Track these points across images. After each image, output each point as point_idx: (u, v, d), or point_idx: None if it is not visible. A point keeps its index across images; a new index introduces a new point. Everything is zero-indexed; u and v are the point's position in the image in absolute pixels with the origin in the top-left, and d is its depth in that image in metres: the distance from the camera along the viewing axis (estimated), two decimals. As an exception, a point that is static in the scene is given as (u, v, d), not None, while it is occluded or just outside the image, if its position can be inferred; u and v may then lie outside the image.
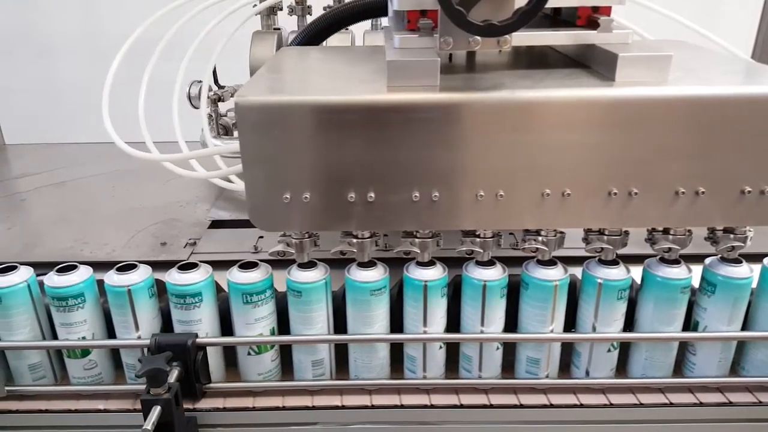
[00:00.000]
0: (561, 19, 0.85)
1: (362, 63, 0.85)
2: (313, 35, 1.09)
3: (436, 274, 0.82)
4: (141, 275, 0.83)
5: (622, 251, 0.83)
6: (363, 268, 0.83)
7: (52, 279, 0.82)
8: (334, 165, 0.72)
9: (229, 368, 0.91)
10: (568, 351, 0.90)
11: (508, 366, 0.90)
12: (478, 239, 0.81)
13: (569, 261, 0.85)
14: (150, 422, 0.74)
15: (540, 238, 0.80)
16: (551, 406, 0.86)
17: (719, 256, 0.83)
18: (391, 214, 0.74)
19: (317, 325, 0.85)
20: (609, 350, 0.87)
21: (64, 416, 0.85)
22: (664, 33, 1.10)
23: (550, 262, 0.83)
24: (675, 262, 0.83)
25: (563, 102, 0.70)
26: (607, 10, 0.76)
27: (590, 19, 0.77)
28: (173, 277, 0.82)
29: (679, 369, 0.90)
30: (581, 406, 0.86)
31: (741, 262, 0.82)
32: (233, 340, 0.85)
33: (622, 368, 0.90)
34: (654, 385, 0.88)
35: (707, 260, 0.85)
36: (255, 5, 1.26)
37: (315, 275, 0.83)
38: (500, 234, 0.82)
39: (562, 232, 0.81)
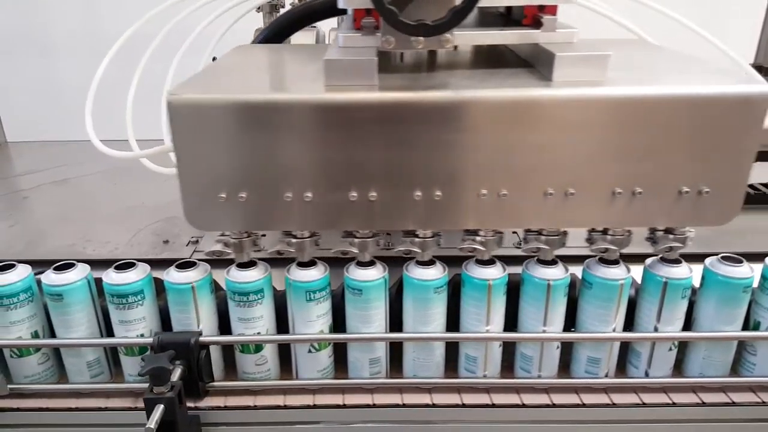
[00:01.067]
0: (513, 18, 0.84)
1: (314, 61, 0.84)
2: (276, 32, 1.08)
3: (496, 273, 0.82)
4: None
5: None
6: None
7: (111, 276, 0.81)
8: (269, 164, 0.71)
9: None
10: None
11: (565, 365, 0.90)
12: (417, 239, 0.80)
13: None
14: (153, 421, 0.74)
15: (478, 238, 0.80)
16: (613, 405, 0.86)
17: (659, 256, 0.83)
18: (330, 214, 0.74)
19: (375, 323, 0.84)
20: (670, 349, 0.87)
21: (66, 414, 0.86)
22: (665, 31, 1.10)
23: (615, 262, 0.82)
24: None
25: (494, 102, 0.69)
26: (552, 9, 0.76)
27: (535, 18, 0.77)
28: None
29: (735, 368, 0.90)
30: (643, 405, 0.86)
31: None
32: (236, 339, 0.85)
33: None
34: (712, 384, 0.88)
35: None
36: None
37: (374, 273, 0.82)
38: (438, 234, 0.82)
39: (500, 233, 0.81)
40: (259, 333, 0.84)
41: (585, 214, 0.73)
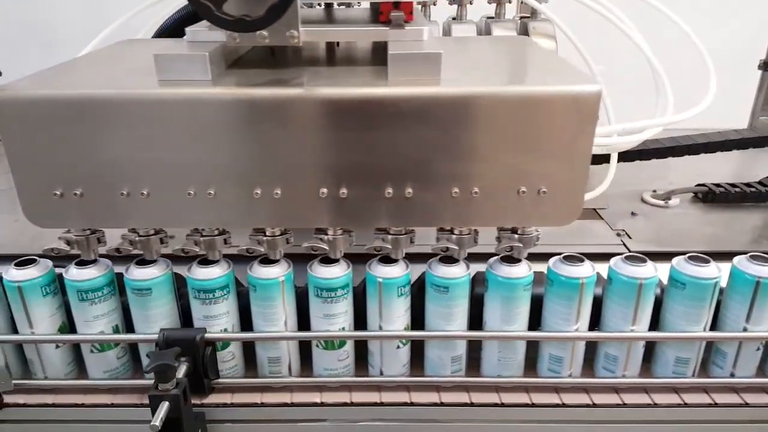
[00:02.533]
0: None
1: None
2: (175, 27, 1.07)
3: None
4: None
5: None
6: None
7: (197, 272, 0.81)
8: (101, 160, 0.70)
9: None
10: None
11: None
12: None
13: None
14: (158, 418, 0.74)
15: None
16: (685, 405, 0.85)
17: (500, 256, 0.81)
18: (169, 210, 0.73)
19: (457, 320, 0.83)
20: (758, 349, 0.85)
21: (71, 411, 0.87)
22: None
23: (704, 260, 0.80)
24: (515, 260, 0.80)
25: (326, 100, 0.68)
26: (408, 6, 0.74)
27: (389, 15, 0.75)
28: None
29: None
30: (686, 405, 0.85)
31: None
32: (243, 336, 0.86)
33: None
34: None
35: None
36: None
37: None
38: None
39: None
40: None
41: (424, 214, 0.73)
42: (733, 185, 1.16)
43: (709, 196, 1.15)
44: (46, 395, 0.87)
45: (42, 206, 0.73)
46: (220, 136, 0.70)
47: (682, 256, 0.82)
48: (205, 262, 0.82)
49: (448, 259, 0.81)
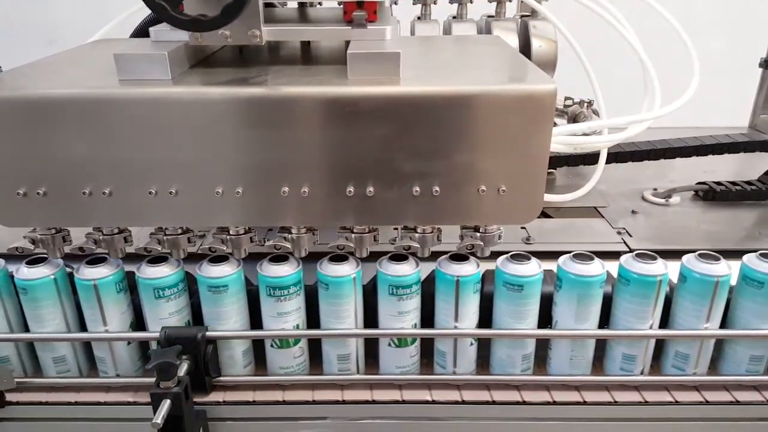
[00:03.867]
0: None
1: None
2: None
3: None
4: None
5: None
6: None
7: (269, 269, 0.82)
8: (63, 159, 0.70)
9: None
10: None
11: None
12: (290, 235, 0.79)
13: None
14: (159, 416, 0.74)
15: (290, 235, 0.79)
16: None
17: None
18: (131, 209, 0.73)
19: (528, 319, 0.82)
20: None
21: (70, 408, 0.87)
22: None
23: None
24: (464, 258, 0.81)
25: (284, 99, 0.69)
26: (371, 6, 0.75)
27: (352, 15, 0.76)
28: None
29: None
30: (707, 403, 0.85)
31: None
32: (245, 334, 0.86)
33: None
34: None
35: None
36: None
37: (408, 268, 0.81)
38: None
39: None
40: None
41: (385, 212, 0.73)
42: (733, 183, 1.17)
43: (710, 195, 1.16)
44: (47, 393, 0.88)
45: (6, 205, 0.73)
46: (180, 136, 0.70)
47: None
48: (277, 259, 0.82)
49: (520, 257, 0.82)
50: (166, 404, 0.76)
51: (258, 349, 0.89)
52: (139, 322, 0.86)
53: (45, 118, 0.69)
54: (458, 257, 0.82)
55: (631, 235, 1.00)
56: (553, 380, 0.87)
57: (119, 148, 0.70)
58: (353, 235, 0.79)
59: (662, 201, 1.15)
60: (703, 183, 1.17)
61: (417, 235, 0.78)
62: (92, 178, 0.72)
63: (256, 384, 0.89)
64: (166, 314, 0.83)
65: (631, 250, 0.89)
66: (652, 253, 0.82)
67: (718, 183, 1.17)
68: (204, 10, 0.67)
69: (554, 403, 0.85)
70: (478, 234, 0.79)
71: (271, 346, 0.86)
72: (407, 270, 0.81)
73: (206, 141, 0.70)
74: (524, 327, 0.83)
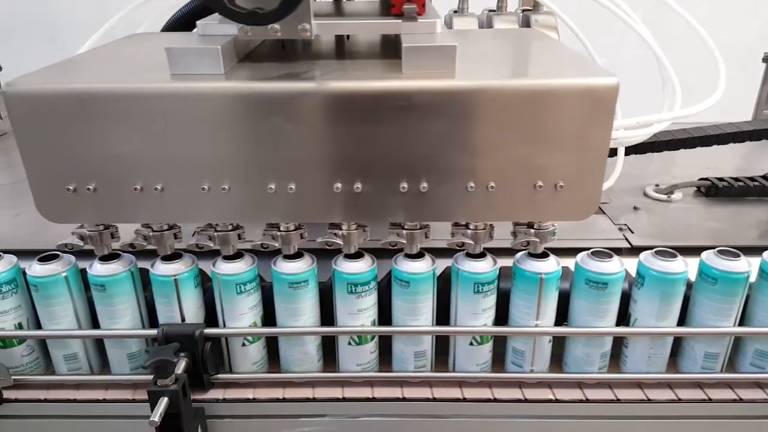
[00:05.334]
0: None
1: None
2: (186, 19, 1.06)
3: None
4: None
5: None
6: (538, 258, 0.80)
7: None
8: (114, 155, 0.70)
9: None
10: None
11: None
12: (340, 231, 0.78)
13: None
14: (157, 413, 0.74)
15: (341, 231, 0.78)
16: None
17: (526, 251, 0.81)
18: (183, 205, 0.73)
19: (609, 317, 0.82)
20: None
21: (71, 406, 0.87)
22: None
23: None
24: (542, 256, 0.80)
25: (341, 93, 0.67)
26: None
27: (402, 7, 0.75)
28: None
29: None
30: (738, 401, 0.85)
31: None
32: (241, 331, 0.84)
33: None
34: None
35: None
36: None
37: (486, 266, 0.79)
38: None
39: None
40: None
41: (440, 208, 0.72)
42: (736, 179, 1.16)
43: (712, 191, 1.15)
44: (45, 391, 0.87)
45: (55, 201, 0.72)
46: (233, 131, 0.69)
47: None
48: (353, 256, 0.81)
49: (602, 254, 0.81)
50: (163, 402, 0.75)
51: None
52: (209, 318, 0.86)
53: (96, 113, 0.68)
54: (539, 255, 0.81)
55: (632, 232, 0.99)
56: (619, 378, 0.86)
57: (172, 143, 0.69)
58: (404, 232, 0.78)
59: (664, 197, 1.15)
60: (706, 179, 1.17)
61: (470, 231, 0.77)
62: (144, 173, 0.71)
63: (257, 382, 0.88)
64: (246, 309, 0.83)
65: (632, 247, 0.89)
66: (735, 251, 0.81)
67: (721, 179, 1.16)
68: (258, 3, 0.66)
69: (344, 399, 0.85)
70: (533, 230, 0.77)
71: (349, 343, 0.85)
72: (486, 267, 0.80)
73: (259, 137, 0.69)
74: (604, 325, 0.82)
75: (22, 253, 0.86)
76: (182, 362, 0.79)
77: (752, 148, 1.30)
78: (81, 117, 0.68)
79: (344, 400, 0.86)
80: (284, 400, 0.86)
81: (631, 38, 1.04)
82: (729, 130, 1.21)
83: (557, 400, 0.85)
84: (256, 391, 0.87)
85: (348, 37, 0.95)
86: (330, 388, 0.87)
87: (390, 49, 0.86)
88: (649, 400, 0.84)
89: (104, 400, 0.86)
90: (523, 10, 1.23)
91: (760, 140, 1.24)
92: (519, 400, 0.85)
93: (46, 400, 0.86)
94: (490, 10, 1.24)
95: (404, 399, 0.85)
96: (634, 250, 0.86)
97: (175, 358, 0.78)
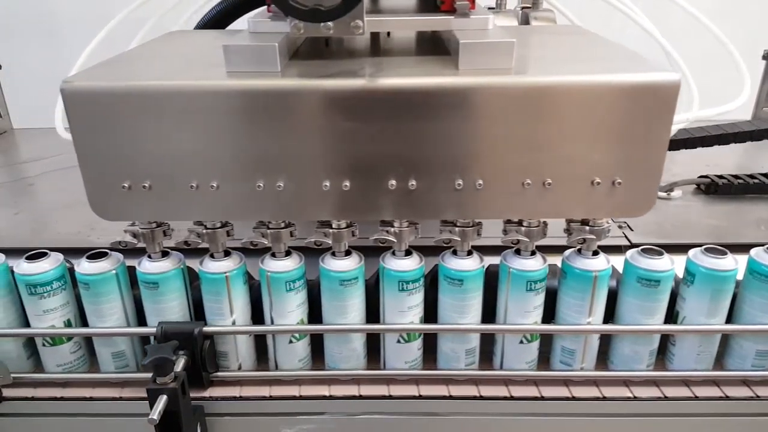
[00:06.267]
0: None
1: None
2: (219, 18, 1.07)
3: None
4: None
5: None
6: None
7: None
8: (170, 152, 0.69)
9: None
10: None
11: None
12: (392, 228, 0.78)
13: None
14: (156, 412, 0.74)
15: (393, 229, 0.78)
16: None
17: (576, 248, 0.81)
18: (237, 203, 0.72)
19: (658, 314, 0.81)
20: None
21: (70, 404, 0.87)
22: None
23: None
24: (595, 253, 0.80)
25: (393, 90, 0.67)
26: None
27: (452, 3, 0.75)
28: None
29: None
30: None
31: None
32: (240, 329, 0.84)
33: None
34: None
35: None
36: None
37: (536, 263, 0.79)
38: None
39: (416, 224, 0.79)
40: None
41: (495, 205, 0.72)
42: (736, 177, 1.16)
43: (712, 188, 1.15)
44: (44, 389, 0.87)
45: (110, 199, 0.72)
46: (290, 128, 0.69)
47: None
48: (402, 254, 0.80)
49: (652, 251, 0.80)
50: (162, 400, 0.75)
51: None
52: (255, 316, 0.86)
53: (154, 110, 0.68)
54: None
55: (632, 230, 0.98)
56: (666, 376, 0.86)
57: (228, 140, 0.69)
58: (457, 229, 0.77)
59: (664, 195, 1.14)
60: (705, 176, 1.17)
61: (523, 228, 0.77)
62: (199, 171, 0.71)
63: (256, 380, 0.88)
64: (294, 306, 0.82)
65: (632, 245, 0.89)
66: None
67: (720, 176, 1.16)
68: (317, 0, 0.65)
69: (360, 397, 0.85)
70: (587, 227, 0.77)
71: (398, 341, 0.84)
72: (538, 265, 0.79)
73: (316, 134, 0.69)
74: (654, 322, 0.81)
75: (22, 252, 0.84)
76: (181, 360, 0.79)
77: (752, 145, 1.30)
78: (139, 114, 0.68)
79: (390, 397, 0.85)
80: (300, 397, 0.86)
81: (631, 35, 1.03)
82: (730, 130, 1.20)
83: (604, 398, 0.84)
84: (273, 389, 0.86)
85: (389, 33, 0.95)
86: (376, 385, 0.86)
87: (429, 45, 0.86)
88: (696, 397, 0.84)
89: (103, 398, 0.86)
90: (522, 8, 1.24)
91: (761, 140, 1.23)
92: (566, 398, 0.84)
93: (45, 399, 0.86)
94: (489, 8, 1.24)
95: (451, 397, 0.85)
96: (634, 248, 0.84)
97: (174, 356, 0.78)
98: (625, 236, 0.95)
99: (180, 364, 0.79)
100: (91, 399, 0.86)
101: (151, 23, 1.11)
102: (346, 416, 0.87)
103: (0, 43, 2.35)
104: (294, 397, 0.86)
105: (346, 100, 0.67)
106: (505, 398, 0.85)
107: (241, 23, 1.11)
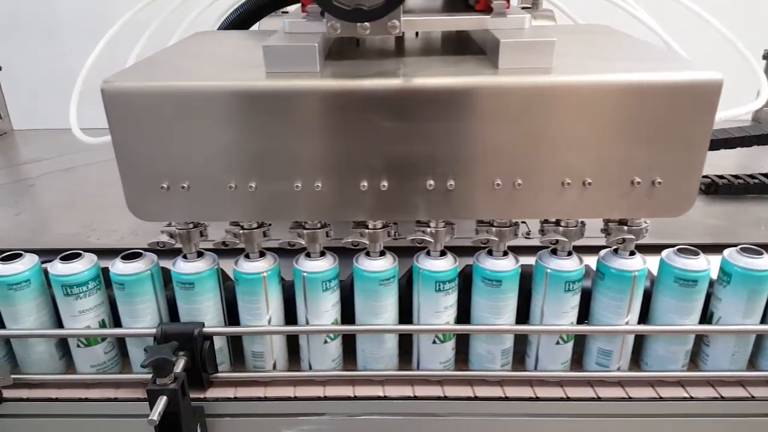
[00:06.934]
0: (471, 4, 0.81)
1: None
2: (242, 19, 1.07)
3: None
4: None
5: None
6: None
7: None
8: (209, 153, 0.70)
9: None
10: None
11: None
12: (428, 228, 0.78)
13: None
14: (156, 412, 0.74)
15: (429, 229, 0.78)
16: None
17: (612, 248, 0.81)
18: (275, 203, 0.72)
19: (693, 314, 0.81)
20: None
21: (71, 405, 0.87)
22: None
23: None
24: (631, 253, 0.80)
25: (434, 90, 0.67)
26: None
27: (487, 3, 0.75)
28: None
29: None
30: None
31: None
32: (241, 330, 0.85)
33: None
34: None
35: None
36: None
37: (572, 264, 0.79)
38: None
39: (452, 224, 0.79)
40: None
41: (534, 205, 0.72)
42: (736, 177, 1.16)
43: (712, 188, 1.15)
44: (46, 390, 0.87)
45: (148, 199, 0.72)
46: (329, 129, 0.69)
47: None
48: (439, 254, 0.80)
49: (688, 251, 0.80)
50: (162, 401, 0.75)
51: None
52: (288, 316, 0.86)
53: (195, 111, 0.68)
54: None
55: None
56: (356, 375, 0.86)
57: (268, 141, 0.69)
58: (494, 229, 0.77)
59: None
60: (706, 176, 1.16)
61: (561, 228, 0.77)
62: (238, 171, 0.70)
63: (253, 380, 0.88)
64: (329, 306, 0.82)
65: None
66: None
67: (721, 176, 1.16)
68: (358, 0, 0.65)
69: (355, 398, 0.85)
70: (625, 227, 0.77)
71: (434, 342, 0.84)
72: (575, 265, 0.79)
73: (355, 134, 0.69)
74: (690, 323, 0.81)
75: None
76: (181, 361, 0.79)
77: (753, 145, 1.30)
78: (180, 114, 0.68)
79: (415, 398, 0.85)
80: (295, 398, 0.85)
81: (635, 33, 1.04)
82: (737, 134, 1.20)
83: (630, 398, 0.84)
84: (298, 390, 0.86)
85: (417, 33, 0.95)
86: (402, 386, 0.86)
87: (454, 45, 0.87)
88: (722, 397, 0.84)
89: (101, 399, 0.86)
90: (522, 8, 1.23)
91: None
92: (592, 399, 0.84)
93: (44, 400, 0.86)
94: (523, 7, 1.25)
95: (476, 398, 0.85)
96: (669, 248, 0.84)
97: (174, 357, 0.77)
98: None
99: (180, 365, 0.79)
100: (87, 400, 0.86)
101: (187, 23, 1.11)
102: (350, 417, 0.86)
103: (0, 44, 2.35)
104: (291, 398, 0.86)
105: (386, 101, 0.67)
106: (530, 399, 0.84)
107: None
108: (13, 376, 0.86)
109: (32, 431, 0.89)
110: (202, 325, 0.82)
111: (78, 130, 1.00)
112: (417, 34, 0.95)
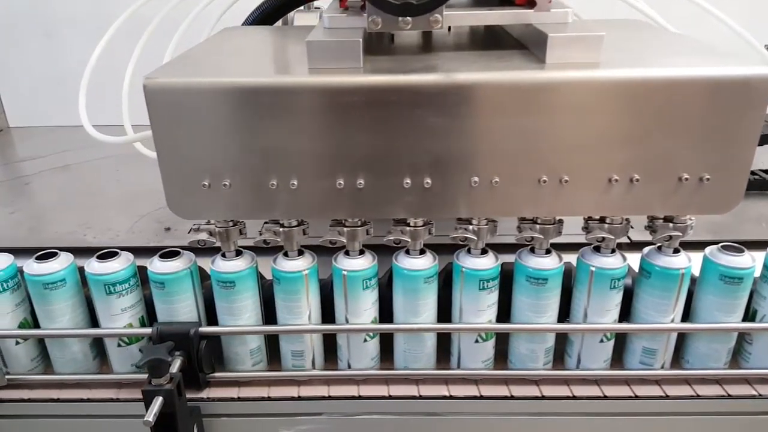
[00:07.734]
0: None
1: (301, 44, 0.74)
2: (267, 14, 1.06)
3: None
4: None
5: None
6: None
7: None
8: (252, 150, 0.69)
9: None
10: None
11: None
12: (408, 228, 0.78)
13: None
14: (151, 413, 0.73)
15: (471, 227, 0.77)
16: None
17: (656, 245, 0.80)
18: (317, 202, 0.72)
19: (737, 312, 0.80)
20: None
21: (70, 405, 0.86)
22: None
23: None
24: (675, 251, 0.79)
25: (484, 85, 0.66)
26: None
27: None
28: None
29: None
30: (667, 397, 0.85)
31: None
32: (237, 330, 0.83)
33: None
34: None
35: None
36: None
37: (616, 261, 0.78)
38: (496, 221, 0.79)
39: (494, 221, 0.78)
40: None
41: (580, 202, 0.71)
42: None
43: None
44: (39, 390, 0.86)
45: (188, 197, 0.71)
46: (373, 125, 0.67)
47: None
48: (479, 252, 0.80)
49: (733, 248, 0.79)
50: (158, 401, 0.74)
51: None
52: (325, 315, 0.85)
53: (238, 107, 0.67)
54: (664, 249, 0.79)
55: (632, 227, 0.96)
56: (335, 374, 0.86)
57: (311, 138, 0.68)
58: (537, 227, 0.77)
59: None
60: None
61: (606, 225, 0.76)
62: (280, 169, 0.70)
63: (249, 380, 0.87)
64: (369, 305, 0.82)
65: (631, 242, 0.88)
66: None
67: None
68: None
69: (357, 397, 0.85)
70: (671, 224, 0.76)
71: (476, 341, 0.83)
72: (619, 263, 0.78)
73: (398, 130, 0.68)
74: (734, 320, 0.80)
75: (21, 252, 0.84)
76: (177, 361, 0.79)
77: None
78: (222, 111, 0.67)
79: (451, 398, 0.84)
80: (360, 397, 0.85)
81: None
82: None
83: (667, 397, 0.84)
84: (332, 389, 0.85)
85: (450, 29, 0.94)
86: (437, 385, 0.85)
87: (488, 39, 0.86)
88: (760, 395, 0.83)
89: (98, 400, 0.85)
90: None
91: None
92: (629, 398, 0.84)
93: (39, 400, 0.85)
94: None
95: (513, 397, 0.84)
96: (634, 245, 0.85)
97: (170, 357, 0.77)
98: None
99: (176, 365, 0.78)
100: (88, 400, 0.86)
101: (215, 21, 1.10)
102: (345, 416, 0.86)
103: (-2, 40, 2.35)
104: (293, 398, 0.85)
105: (433, 96, 0.66)
106: (567, 398, 0.83)
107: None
108: (8, 377, 0.85)
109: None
110: (198, 324, 0.81)
111: (90, 127, 0.99)
112: (450, 29, 0.94)
